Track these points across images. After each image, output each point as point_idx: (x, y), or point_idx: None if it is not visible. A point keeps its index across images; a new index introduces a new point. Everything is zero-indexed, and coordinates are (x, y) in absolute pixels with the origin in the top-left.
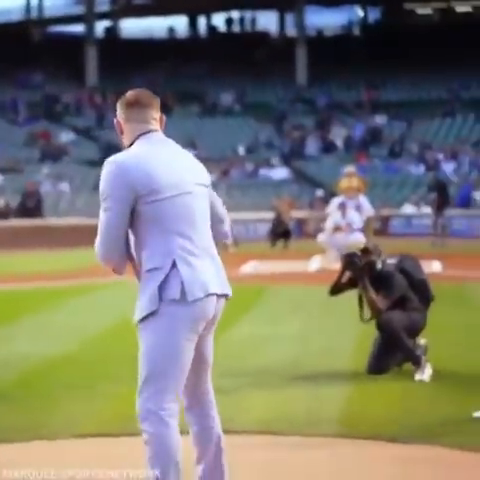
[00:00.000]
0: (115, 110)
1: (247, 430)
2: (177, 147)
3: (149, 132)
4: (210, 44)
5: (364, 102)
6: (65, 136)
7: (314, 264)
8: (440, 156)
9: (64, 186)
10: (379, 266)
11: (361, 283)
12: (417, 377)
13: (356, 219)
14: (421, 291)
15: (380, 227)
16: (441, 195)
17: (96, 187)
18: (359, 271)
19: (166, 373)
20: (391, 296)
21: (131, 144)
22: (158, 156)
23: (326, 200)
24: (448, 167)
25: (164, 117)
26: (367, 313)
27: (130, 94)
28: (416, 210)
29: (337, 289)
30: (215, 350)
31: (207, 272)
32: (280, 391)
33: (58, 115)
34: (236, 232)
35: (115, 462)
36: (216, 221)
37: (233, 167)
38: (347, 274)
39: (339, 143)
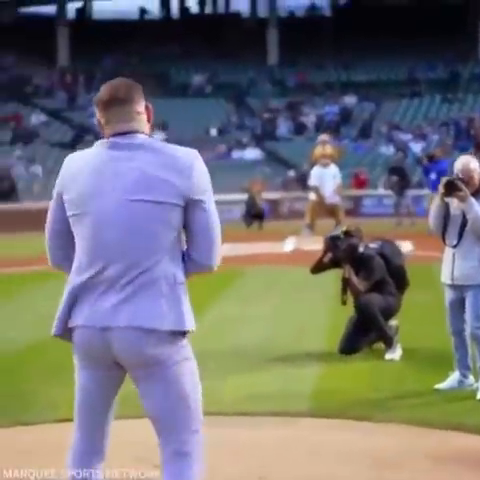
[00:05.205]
0: (86, 91)
1: (222, 412)
2: None
3: None
4: (182, 25)
5: (334, 83)
6: (36, 118)
7: (289, 245)
8: (408, 136)
9: (36, 169)
10: (361, 249)
11: (342, 265)
12: (388, 356)
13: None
14: (398, 277)
15: (352, 207)
16: (402, 178)
17: None
18: (341, 253)
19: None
20: (371, 278)
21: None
22: None
23: (299, 180)
24: (416, 147)
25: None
26: (349, 297)
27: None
28: (385, 190)
29: (318, 268)
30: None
31: None
32: (252, 373)
33: (29, 97)
34: None
35: None
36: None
37: (205, 149)
38: (329, 255)
39: (310, 124)
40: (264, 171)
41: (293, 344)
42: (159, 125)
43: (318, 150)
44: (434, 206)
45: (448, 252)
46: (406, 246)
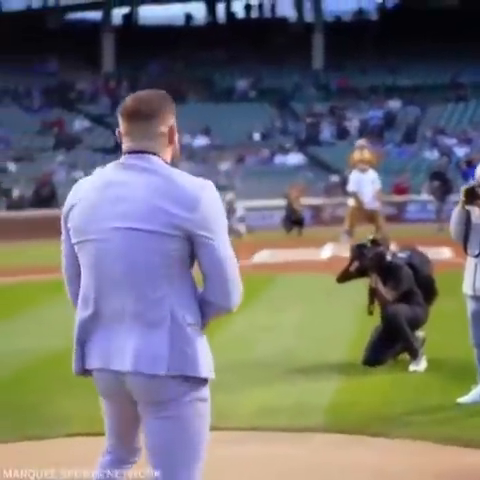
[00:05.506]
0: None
1: (238, 427)
2: None
3: None
4: (229, 30)
5: (379, 87)
6: (79, 124)
7: (326, 251)
8: (453, 141)
9: (78, 174)
10: (388, 258)
11: (369, 274)
12: (412, 368)
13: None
14: (426, 287)
15: (396, 213)
16: (443, 183)
17: None
18: (367, 262)
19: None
20: (398, 289)
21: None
22: None
23: (342, 186)
24: (460, 152)
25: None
26: (376, 307)
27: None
28: (428, 196)
29: (345, 277)
30: (213, 342)
31: None
32: (272, 385)
33: (72, 102)
34: (251, 220)
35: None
36: None
37: (248, 154)
38: (356, 264)
39: (353, 128)
40: (307, 176)
41: (316, 355)
42: (202, 130)
43: (356, 155)
44: (455, 213)
45: (470, 262)
46: (444, 253)
